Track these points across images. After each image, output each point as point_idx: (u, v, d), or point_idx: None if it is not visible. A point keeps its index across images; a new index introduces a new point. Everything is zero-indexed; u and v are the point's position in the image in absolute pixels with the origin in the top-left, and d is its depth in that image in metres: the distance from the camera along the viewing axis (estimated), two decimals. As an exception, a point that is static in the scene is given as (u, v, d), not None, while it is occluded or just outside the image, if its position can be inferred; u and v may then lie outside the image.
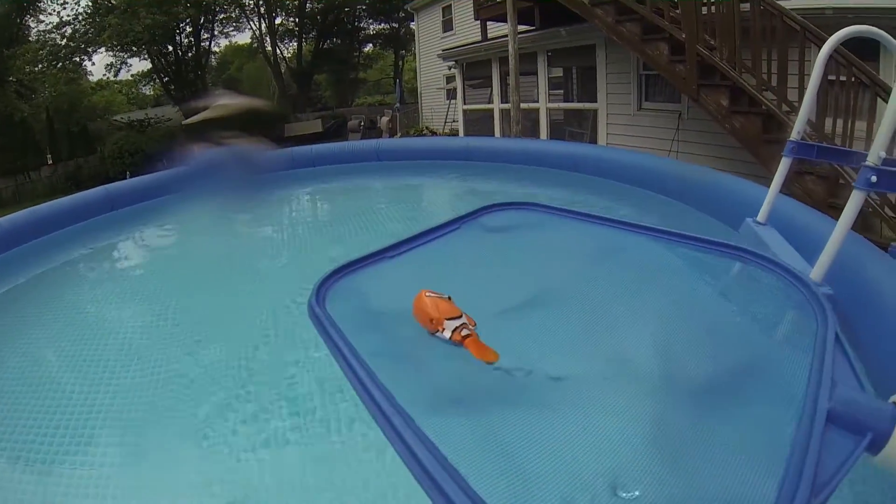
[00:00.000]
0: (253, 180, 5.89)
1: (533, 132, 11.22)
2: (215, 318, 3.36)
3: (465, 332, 1.24)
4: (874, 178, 2.16)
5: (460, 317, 1.28)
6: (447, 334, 1.25)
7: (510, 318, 1.40)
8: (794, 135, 3.07)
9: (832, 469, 0.76)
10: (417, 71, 22.13)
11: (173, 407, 2.44)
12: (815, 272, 2.22)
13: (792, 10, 5.66)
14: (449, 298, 1.33)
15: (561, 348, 1.30)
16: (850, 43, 4.93)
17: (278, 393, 2.46)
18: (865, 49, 5.51)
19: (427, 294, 1.33)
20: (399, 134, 19.09)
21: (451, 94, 16.88)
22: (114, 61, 26.68)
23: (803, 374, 0.95)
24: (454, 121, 15.86)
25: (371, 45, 33.63)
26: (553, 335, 1.34)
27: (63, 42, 23.69)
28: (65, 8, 23.69)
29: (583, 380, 1.18)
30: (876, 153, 2.16)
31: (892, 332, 2.09)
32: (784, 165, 3.08)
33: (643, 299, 1.50)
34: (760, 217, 3.19)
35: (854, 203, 2.19)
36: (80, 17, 23.79)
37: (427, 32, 20.41)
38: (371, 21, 31.92)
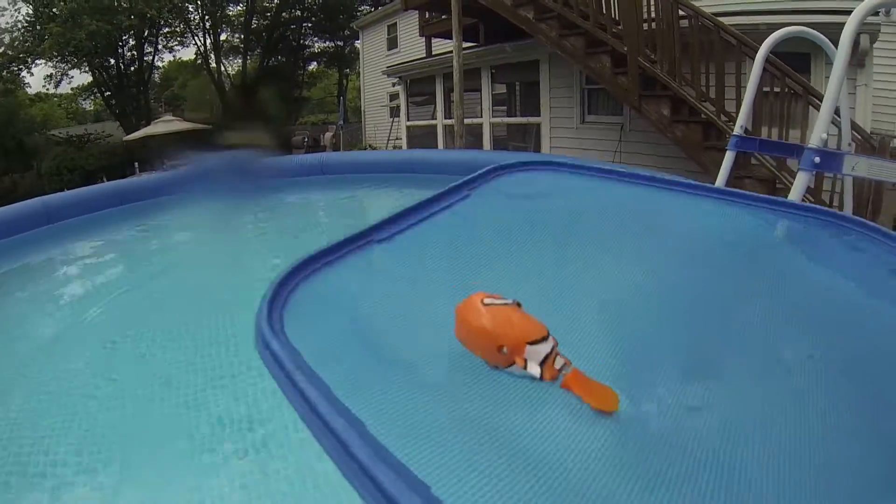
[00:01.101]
0: (249, 186, 5.78)
1: (476, 147, 11.28)
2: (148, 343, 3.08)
3: (560, 364, 0.70)
4: (817, 160, 2.21)
5: (547, 337, 0.71)
6: (535, 370, 0.69)
7: (594, 330, 0.86)
8: (737, 129, 3.14)
9: None
10: (361, 89, 22.10)
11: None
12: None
13: (728, 25, 5.88)
14: (518, 305, 0.75)
15: (704, 373, 0.79)
16: (784, 57, 5.16)
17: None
18: (798, 62, 5.75)
19: (485, 300, 0.74)
20: (342, 150, 18.98)
21: (394, 112, 16.88)
22: (54, 72, 25.83)
23: None
24: (398, 138, 15.84)
25: (315, 63, 33.55)
26: (678, 353, 0.83)
27: (1, 50, 22.81)
28: (3, 15, 22.91)
29: (758, 422, 0.69)
30: (818, 136, 2.22)
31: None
32: (728, 159, 3.14)
33: (765, 286, 1.01)
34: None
35: (800, 183, 2.24)
36: (20, 25, 22.98)
37: (372, 50, 20.43)
38: (316, 39, 31.89)
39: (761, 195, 1.18)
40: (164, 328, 3.03)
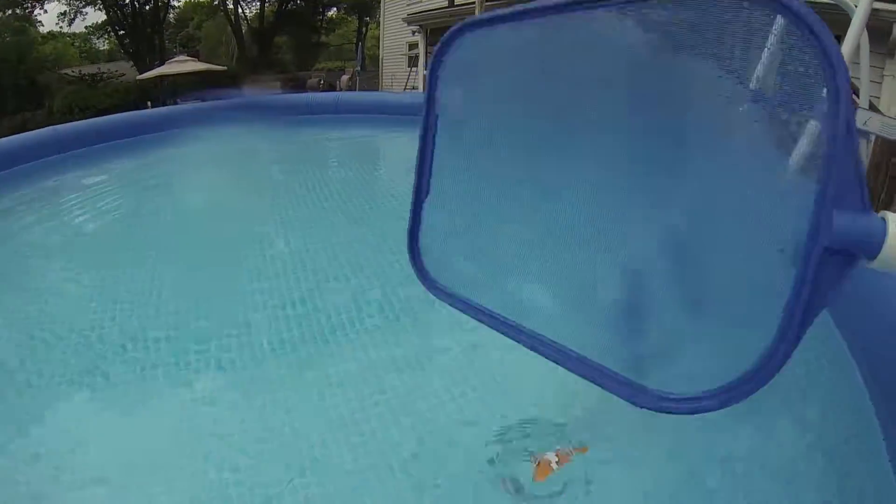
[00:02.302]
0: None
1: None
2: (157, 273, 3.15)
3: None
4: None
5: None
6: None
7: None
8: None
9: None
10: (381, 37, 21.90)
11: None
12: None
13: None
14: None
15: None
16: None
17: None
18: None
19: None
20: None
21: (412, 62, 16.75)
22: (67, 10, 25.53)
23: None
24: (415, 87, 15.78)
25: (335, 9, 32.96)
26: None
27: (14, -14, 22.59)
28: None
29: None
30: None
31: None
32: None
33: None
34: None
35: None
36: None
37: (393, -2, 20.16)
38: (336, -16, 31.28)
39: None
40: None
